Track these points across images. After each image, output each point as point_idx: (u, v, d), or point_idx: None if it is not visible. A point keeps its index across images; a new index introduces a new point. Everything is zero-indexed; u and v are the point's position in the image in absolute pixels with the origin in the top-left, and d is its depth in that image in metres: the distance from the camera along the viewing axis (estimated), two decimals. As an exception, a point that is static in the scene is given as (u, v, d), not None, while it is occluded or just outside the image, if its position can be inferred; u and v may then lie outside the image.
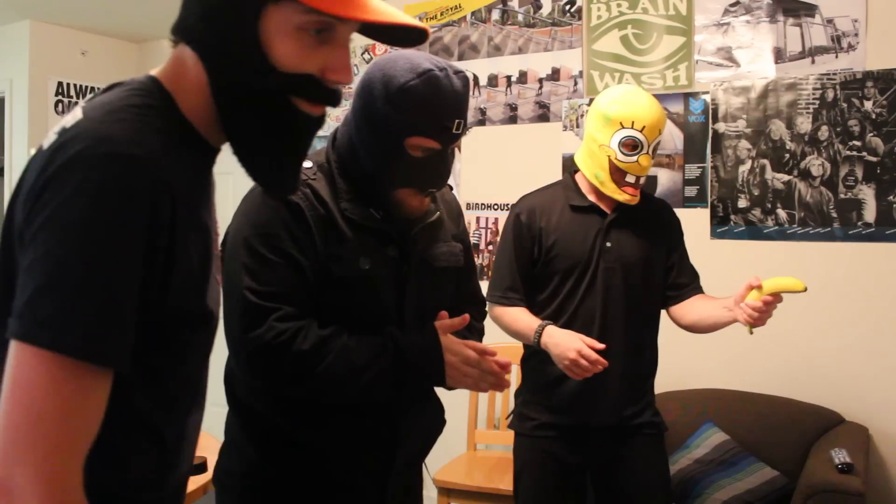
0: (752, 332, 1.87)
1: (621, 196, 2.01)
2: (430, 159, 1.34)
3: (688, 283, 2.11)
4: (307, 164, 1.40)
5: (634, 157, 1.97)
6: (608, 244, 2.03)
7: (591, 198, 2.09)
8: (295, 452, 1.38)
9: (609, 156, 1.99)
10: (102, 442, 0.82)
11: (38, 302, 0.75)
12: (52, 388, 0.76)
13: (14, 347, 0.77)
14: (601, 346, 1.86)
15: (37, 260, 0.76)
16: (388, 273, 1.39)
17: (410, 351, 1.34)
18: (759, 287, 1.83)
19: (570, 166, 3.37)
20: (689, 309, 2.08)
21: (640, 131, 1.96)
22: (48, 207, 0.77)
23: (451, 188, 1.64)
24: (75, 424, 0.78)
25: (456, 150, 1.41)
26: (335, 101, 0.91)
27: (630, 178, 2.00)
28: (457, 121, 1.32)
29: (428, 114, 1.30)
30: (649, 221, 2.10)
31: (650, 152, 1.99)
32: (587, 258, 2.03)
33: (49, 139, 0.83)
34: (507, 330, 2.11)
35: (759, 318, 1.82)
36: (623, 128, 1.97)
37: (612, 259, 2.03)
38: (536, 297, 2.09)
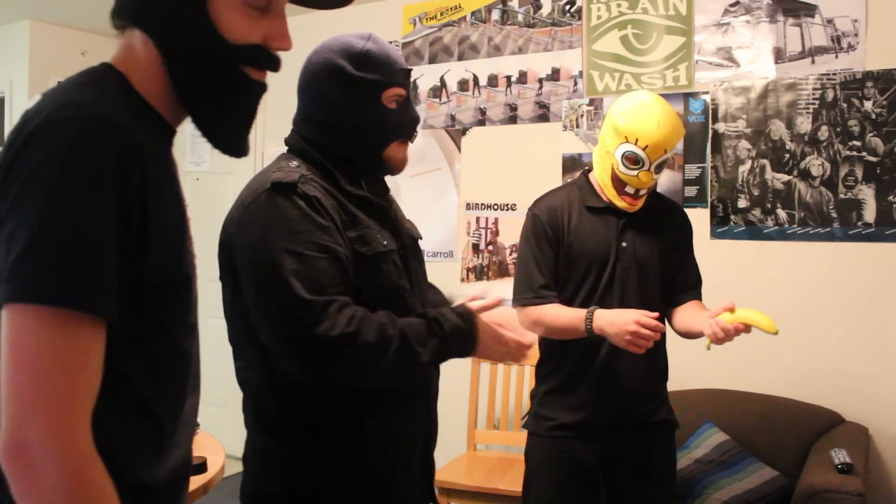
0: (708, 348, 1.91)
1: (620, 203, 2.03)
2: (403, 106, 1.49)
3: (688, 289, 2.12)
4: (295, 163, 1.43)
5: (635, 172, 1.97)
6: (624, 244, 2.04)
7: (606, 198, 2.09)
8: (349, 456, 1.39)
9: (612, 164, 2.00)
10: (100, 417, 0.83)
11: (24, 263, 0.77)
12: (51, 344, 0.77)
13: (6, 313, 0.78)
14: (655, 313, 1.87)
15: (17, 226, 0.78)
16: (397, 247, 1.47)
17: (453, 337, 1.40)
18: (732, 311, 1.85)
19: (570, 166, 3.38)
20: (680, 313, 2.10)
21: (643, 149, 1.95)
22: (21, 175, 0.80)
23: None
24: (79, 378, 0.79)
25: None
26: (277, 66, 1.01)
27: (629, 189, 2.01)
28: (406, 65, 1.51)
29: (391, 65, 1.46)
30: (663, 221, 2.11)
31: (652, 169, 1.98)
32: (605, 257, 2.03)
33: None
34: (549, 328, 2.06)
35: (722, 339, 1.85)
36: (627, 142, 1.97)
37: (628, 258, 2.03)
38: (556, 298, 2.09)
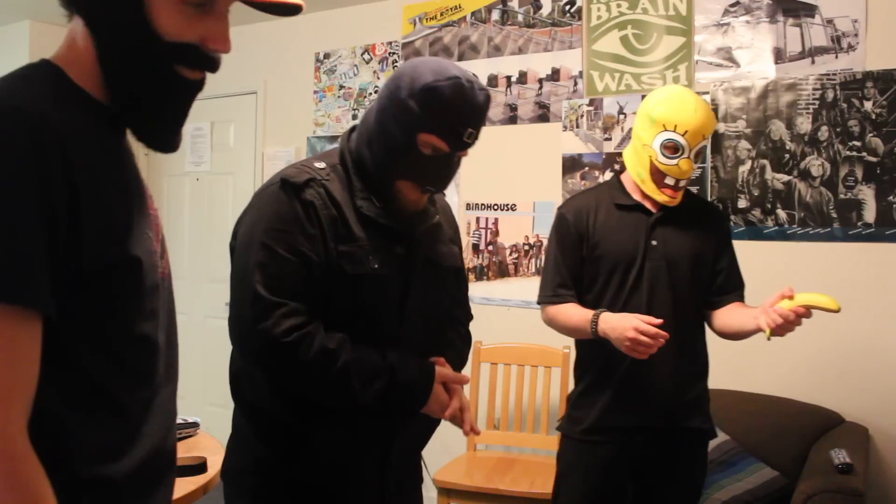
0: (769, 339, 1.83)
1: (660, 197, 2.01)
2: (436, 159, 1.41)
3: (730, 291, 2.07)
4: (320, 164, 1.45)
5: (675, 161, 1.96)
6: (653, 242, 2.02)
7: (637, 196, 2.08)
8: (299, 449, 1.43)
9: (650, 156, 1.99)
10: (55, 412, 0.84)
11: None
12: None
13: None
14: (658, 321, 1.84)
15: None
16: (395, 271, 1.44)
17: (403, 389, 1.41)
18: (791, 297, 1.81)
19: (570, 166, 3.38)
20: (722, 314, 2.06)
21: (683, 135, 1.95)
22: None
23: (444, 194, 1.68)
24: (13, 373, 0.80)
25: (462, 158, 1.48)
26: (214, 67, 0.98)
27: (669, 181, 1.99)
28: (469, 130, 1.39)
29: (445, 116, 1.36)
30: (696, 222, 2.07)
31: (692, 156, 1.97)
32: (632, 256, 2.01)
33: None
34: (562, 329, 2.07)
35: (783, 326, 1.79)
36: (665, 130, 1.96)
37: (658, 257, 2.01)
38: (583, 297, 2.07)
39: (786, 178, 2.93)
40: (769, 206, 2.95)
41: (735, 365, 2.96)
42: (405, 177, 1.42)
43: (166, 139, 1.01)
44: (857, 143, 2.80)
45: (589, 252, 2.05)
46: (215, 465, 2.05)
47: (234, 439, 1.51)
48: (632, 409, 2.00)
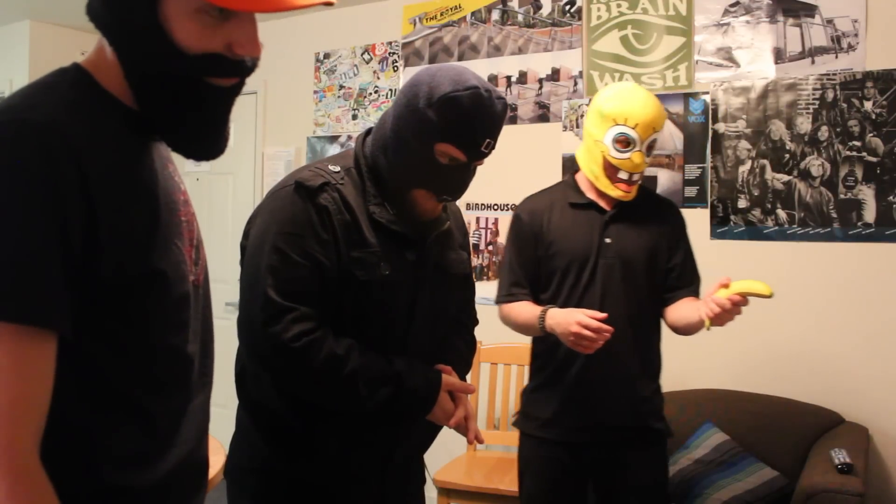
0: (708, 328, 1.84)
1: (614, 192, 2.02)
2: (453, 169, 1.40)
3: (682, 287, 2.07)
4: (335, 168, 1.44)
5: (627, 154, 1.97)
6: (607, 240, 2.03)
7: (591, 195, 2.09)
8: (303, 448, 1.43)
9: (603, 151, 2.00)
10: (80, 421, 0.83)
11: None
12: None
13: None
14: (602, 314, 1.84)
15: None
16: (405, 277, 1.44)
17: (409, 395, 1.41)
18: (727, 286, 1.81)
19: (570, 166, 3.38)
20: (672, 310, 2.06)
21: (633, 128, 1.96)
22: None
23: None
24: (22, 392, 0.78)
25: (478, 167, 1.47)
26: (245, 72, 0.93)
27: (623, 175, 2.00)
28: (487, 140, 1.38)
29: (464, 126, 1.36)
30: (651, 219, 2.08)
31: (643, 150, 1.98)
32: (585, 254, 2.02)
33: None
34: (515, 326, 2.09)
35: (720, 315, 1.78)
36: (616, 124, 1.98)
37: (612, 255, 2.02)
38: (540, 297, 2.09)
39: (786, 178, 2.93)
40: (769, 206, 2.95)
41: (735, 365, 2.96)
42: (421, 185, 1.42)
43: (205, 147, 0.96)
44: (857, 143, 2.80)
45: (544, 251, 2.06)
46: (215, 465, 2.05)
47: (237, 437, 1.52)
48: (584, 407, 2.01)
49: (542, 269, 2.07)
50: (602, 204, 2.07)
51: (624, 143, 1.98)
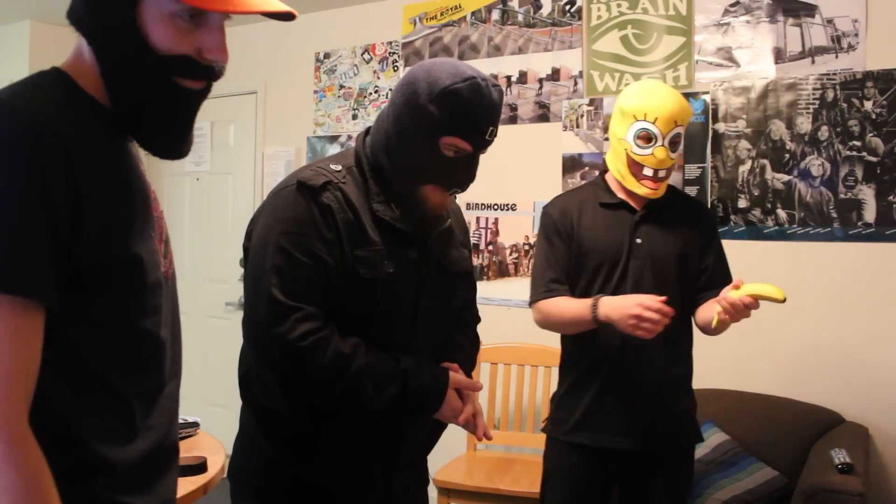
0: (714, 325, 1.85)
1: (640, 189, 2.00)
2: (461, 160, 1.41)
3: (712, 287, 2.03)
4: (336, 167, 1.44)
5: (649, 150, 1.96)
6: (638, 240, 2.01)
7: (621, 195, 2.07)
8: (308, 450, 1.43)
9: (626, 149, 1.99)
10: (59, 398, 0.89)
11: None
12: None
13: None
14: (662, 297, 1.82)
15: None
16: (409, 275, 1.44)
17: (416, 394, 1.40)
18: (738, 287, 1.82)
19: (570, 166, 3.38)
20: (700, 311, 2.05)
21: (653, 123, 1.95)
22: None
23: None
24: (15, 360, 0.84)
25: (480, 156, 1.47)
26: (213, 76, 1.01)
27: (647, 171, 1.98)
28: (490, 128, 1.40)
29: (467, 117, 1.37)
30: (682, 220, 2.06)
31: (666, 144, 1.97)
32: (616, 254, 2.00)
33: None
34: (557, 322, 2.04)
35: (728, 312, 1.79)
36: (637, 120, 1.97)
37: (642, 255, 2.00)
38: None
39: (786, 177, 2.93)
40: (769, 205, 2.95)
41: (735, 365, 2.96)
42: (431, 181, 1.42)
43: (171, 146, 1.04)
44: (857, 143, 2.80)
45: (574, 251, 2.04)
46: (215, 465, 2.05)
47: (241, 438, 1.51)
48: (616, 411, 1.98)
49: (573, 268, 2.05)
50: (632, 204, 2.05)
51: (645, 138, 1.96)
